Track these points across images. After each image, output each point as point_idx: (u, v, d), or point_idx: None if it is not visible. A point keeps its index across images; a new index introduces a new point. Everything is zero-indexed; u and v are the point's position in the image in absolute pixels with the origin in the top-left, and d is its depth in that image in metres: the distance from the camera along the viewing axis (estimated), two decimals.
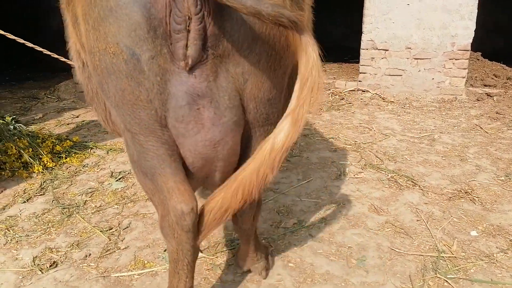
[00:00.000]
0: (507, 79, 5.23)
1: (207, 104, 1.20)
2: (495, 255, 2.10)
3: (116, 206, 2.62)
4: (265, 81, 1.26)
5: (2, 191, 2.81)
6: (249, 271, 1.95)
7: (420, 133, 4.05)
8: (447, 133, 4.03)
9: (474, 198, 2.70)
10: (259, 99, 1.29)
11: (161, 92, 1.17)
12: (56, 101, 5.53)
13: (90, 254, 2.12)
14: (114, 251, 2.15)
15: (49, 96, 5.70)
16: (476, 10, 4.68)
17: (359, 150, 3.59)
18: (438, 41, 4.90)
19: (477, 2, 4.65)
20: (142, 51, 1.10)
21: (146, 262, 2.06)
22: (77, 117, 4.80)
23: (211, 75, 1.17)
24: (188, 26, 1.06)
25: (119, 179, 3.02)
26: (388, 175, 3.06)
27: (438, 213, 2.53)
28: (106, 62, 1.15)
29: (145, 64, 1.11)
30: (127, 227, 2.39)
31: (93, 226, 2.38)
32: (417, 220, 2.46)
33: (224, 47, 1.14)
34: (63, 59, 3.01)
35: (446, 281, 1.90)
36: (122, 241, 2.25)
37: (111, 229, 2.36)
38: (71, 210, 2.57)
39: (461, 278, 1.93)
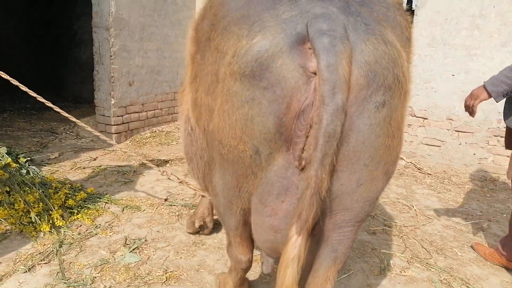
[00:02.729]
0: None
1: (292, 200, 1.31)
2: None
3: None
4: (377, 183, 1.33)
5: None
6: None
7: (466, 218, 3.65)
8: (495, 221, 3.63)
9: None
10: (368, 199, 1.36)
11: (262, 179, 1.33)
12: (75, 139, 5.32)
13: None
14: None
15: (67, 132, 5.51)
16: None
17: (402, 235, 3.20)
18: (483, 116, 4.61)
19: None
20: (265, 149, 1.25)
21: None
22: (95, 159, 4.55)
23: (312, 176, 1.23)
24: (308, 133, 1.18)
25: (133, 249, 2.68)
26: (440, 276, 2.65)
27: None
28: (233, 154, 1.31)
29: (264, 159, 1.27)
30: None
31: None
32: None
33: (337, 154, 1.21)
34: (66, 114, 2.86)
35: None
36: None
37: None
38: None
39: None
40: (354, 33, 1.14)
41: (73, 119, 2.85)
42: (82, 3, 8.02)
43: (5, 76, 2.50)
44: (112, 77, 4.97)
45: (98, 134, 2.79)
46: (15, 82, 2.51)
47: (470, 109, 2.58)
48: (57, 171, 4.04)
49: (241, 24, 1.22)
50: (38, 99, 2.67)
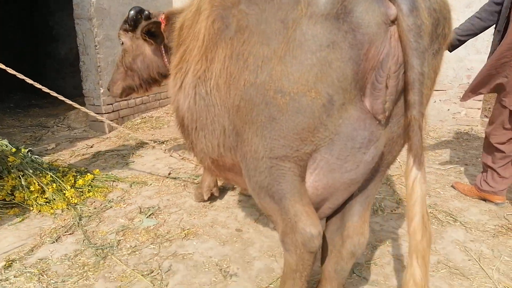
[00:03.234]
0: None
1: (372, 150, 1.32)
2: None
3: (152, 246, 2.48)
4: None
5: None
6: None
7: (445, 164, 4.01)
8: (472, 165, 4.01)
9: None
10: (402, 145, 1.45)
11: (335, 133, 1.27)
12: (67, 130, 5.40)
13: None
14: None
15: (58, 125, 5.58)
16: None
17: (389, 183, 3.53)
18: (453, 74, 4.97)
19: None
20: (339, 98, 1.21)
21: None
22: (91, 147, 4.67)
23: (386, 126, 1.31)
24: (387, 84, 1.19)
25: (149, 215, 2.89)
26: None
27: (487, 251, 2.45)
28: (300, 102, 1.23)
29: (337, 109, 1.23)
30: (169, 270, 2.25)
31: (133, 269, 2.23)
32: (469, 260, 2.37)
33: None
34: (62, 98, 2.99)
35: None
36: (166, 286, 2.11)
37: (152, 272, 2.22)
38: (105, 251, 2.42)
39: None
40: None
41: (78, 106, 2.99)
42: None
43: (2, 66, 2.62)
44: (98, 66, 5.07)
45: (106, 120, 2.91)
46: (21, 76, 2.63)
47: None
48: (57, 159, 4.16)
49: None
50: (45, 90, 2.79)
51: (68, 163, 3.96)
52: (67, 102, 3.10)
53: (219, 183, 3.21)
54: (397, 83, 1.19)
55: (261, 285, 2.12)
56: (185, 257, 2.38)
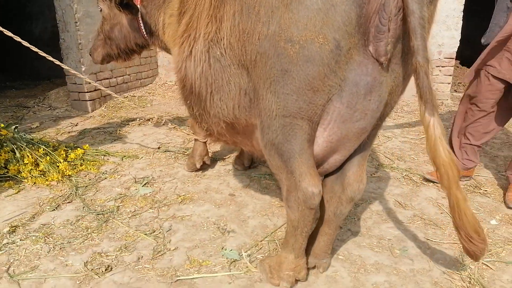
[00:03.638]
0: None
1: (375, 98, 1.38)
2: None
3: (151, 210, 2.62)
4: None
5: None
6: (314, 267, 2.01)
7: (419, 135, 4.31)
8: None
9: (484, 191, 2.94)
10: (399, 97, 1.52)
11: (342, 79, 1.32)
12: (49, 110, 5.35)
13: (142, 257, 2.12)
14: (165, 253, 2.16)
15: (39, 104, 5.51)
16: (461, 22, 5.07)
17: None
18: None
19: (462, 14, 5.04)
20: (345, 43, 1.26)
21: (201, 261, 2.09)
22: (76, 125, 4.68)
23: (387, 70, 1.34)
24: (389, 27, 1.23)
25: (144, 184, 3.01)
26: (402, 174, 3.25)
27: None
28: (309, 50, 1.27)
29: (344, 54, 1.27)
30: (169, 229, 2.40)
31: (135, 230, 2.37)
32: (441, 213, 2.64)
33: (402, 46, 1.31)
34: (65, 66, 2.99)
35: (485, 264, 2.08)
36: (169, 242, 2.26)
37: (154, 232, 2.37)
38: (106, 215, 2.54)
39: (496, 261, 2.11)
40: None
41: (75, 72, 2.99)
42: None
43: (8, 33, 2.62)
44: (79, 44, 5.02)
45: (109, 90, 2.90)
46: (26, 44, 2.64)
47: None
48: (43, 137, 4.16)
49: None
50: (40, 53, 2.76)
51: (56, 140, 3.98)
52: (70, 70, 3.07)
53: (210, 154, 3.35)
54: (397, 25, 1.25)
55: (257, 238, 2.30)
56: (183, 218, 2.53)
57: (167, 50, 2.97)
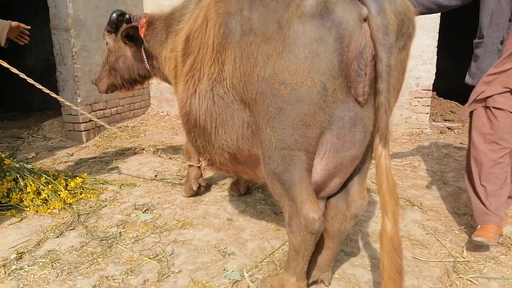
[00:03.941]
0: None
1: (360, 129, 1.59)
2: (498, 257, 2.50)
3: (153, 236, 2.72)
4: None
5: None
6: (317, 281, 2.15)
7: (401, 161, 4.56)
8: (424, 161, 4.58)
9: (465, 213, 3.16)
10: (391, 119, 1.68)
11: (330, 115, 1.53)
12: (43, 140, 5.43)
13: (148, 280, 2.22)
14: (170, 275, 2.27)
15: (33, 135, 5.58)
16: (436, 56, 5.49)
17: None
18: (404, 82, 5.59)
19: (436, 49, 5.47)
20: (330, 85, 1.46)
21: (205, 282, 2.20)
22: (72, 155, 4.77)
23: (367, 107, 1.55)
24: (366, 72, 1.45)
25: (144, 210, 3.12)
26: None
27: (441, 227, 2.93)
28: (299, 92, 1.48)
29: (330, 95, 1.48)
30: (172, 253, 2.50)
31: (139, 254, 2.47)
32: (426, 234, 2.83)
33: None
34: (68, 103, 3.17)
35: (469, 280, 2.25)
36: (173, 265, 2.37)
37: (157, 256, 2.47)
38: (109, 241, 2.63)
39: (479, 277, 2.29)
40: None
41: (88, 114, 3.16)
42: (21, 9, 7.90)
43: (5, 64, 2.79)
44: (76, 76, 5.19)
45: (103, 123, 3.08)
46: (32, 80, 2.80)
47: None
48: (41, 166, 4.24)
49: None
50: (44, 90, 2.94)
51: (54, 169, 4.07)
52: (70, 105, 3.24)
53: (206, 180, 3.50)
54: (372, 70, 1.45)
55: (256, 260, 2.43)
56: (185, 242, 2.65)
57: (167, 81, 3.18)
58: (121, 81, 3.29)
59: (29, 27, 3.06)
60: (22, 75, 2.85)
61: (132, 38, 2.93)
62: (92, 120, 5.48)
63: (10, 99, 8.34)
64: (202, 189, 3.42)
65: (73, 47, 5.13)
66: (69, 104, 3.22)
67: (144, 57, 3.06)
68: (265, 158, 1.73)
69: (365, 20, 1.41)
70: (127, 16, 3.03)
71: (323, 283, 2.14)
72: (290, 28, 1.45)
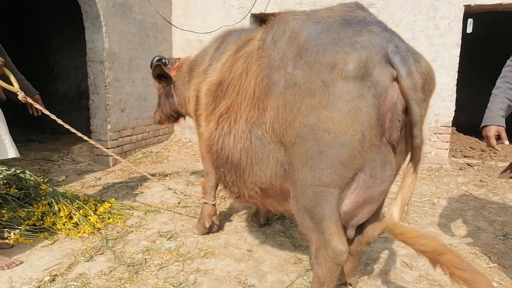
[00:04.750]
0: (482, 151, 6.04)
1: (389, 168, 1.83)
2: None
3: (176, 264, 2.84)
4: None
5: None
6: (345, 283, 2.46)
7: (420, 197, 4.59)
8: (443, 198, 4.59)
9: (484, 254, 3.16)
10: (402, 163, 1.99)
11: (365, 158, 1.74)
12: (72, 164, 5.71)
13: None
14: None
15: (63, 158, 5.87)
16: (455, 94, 5.57)
17: None
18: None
19: (455, 87, 5.56)
20: (368, 133, 1.68)
21: None
22: (99, 179, 5.00)
23: (395, 150, 1.80)
24: (398, 119, 1.68)
25: (168, 238, 3.25)
26: None
27: None
28: (342, 138, 1.68)
29: (367, 141, 1.70)
30: (195, 282, 2.61)
31: (164, 282, 2.59)
32: (444, 274, 2.84)
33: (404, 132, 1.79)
34: (90, 140, 3.46)
35: None
36: None
37: (181, 284, 2.58)
38: (135, 267, 2.76)
39: None
40: (413, 53, 1.68)
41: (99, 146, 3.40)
42: (58, 40, 8.44)
43: (43, 110, 3.06)
44: (107, 105, 5.50)
45: (113, 155, 3.32)
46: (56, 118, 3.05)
47: (494, 148, 2.55)
48: (70, 190, 4.46)
49: (341, 45, 1.65)
50: (71, 130, 3.18)
51: (83, 193, 4.28)
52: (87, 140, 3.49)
53: (226, 211, 3.62)
54: (403, 119, 1.68)
55: None
56: (207, 272, 2.75)
57: (190, 116, 3.44)
58: (164, 115, 3.71)
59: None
60: (53, 116, 3.10)
61: (161, 77, 3.34)
62: (120, 145, 5.77)
63: (39, 122, 8.78)
64: (215, 227, 3.43)
65: (106, 78, 5.46)
66: (93, 142, 3.54)
67: (174, 94, 3.38)
68: (297, 194, 1.88)
69: (394, 79, 1.64)
70: (164, 60, 3.44)
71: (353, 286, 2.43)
72: (335, 87, 1.66)
